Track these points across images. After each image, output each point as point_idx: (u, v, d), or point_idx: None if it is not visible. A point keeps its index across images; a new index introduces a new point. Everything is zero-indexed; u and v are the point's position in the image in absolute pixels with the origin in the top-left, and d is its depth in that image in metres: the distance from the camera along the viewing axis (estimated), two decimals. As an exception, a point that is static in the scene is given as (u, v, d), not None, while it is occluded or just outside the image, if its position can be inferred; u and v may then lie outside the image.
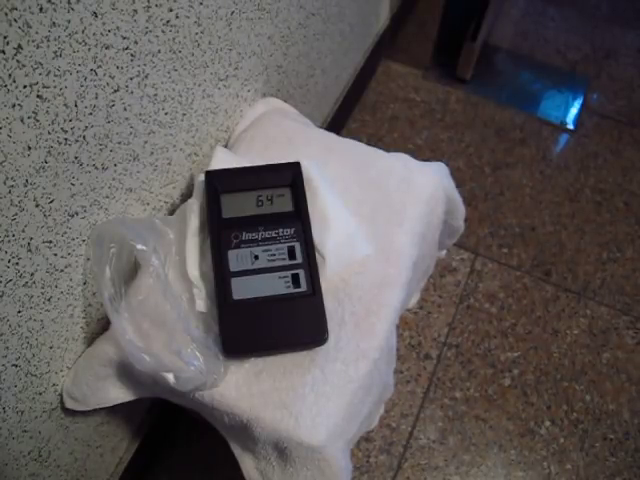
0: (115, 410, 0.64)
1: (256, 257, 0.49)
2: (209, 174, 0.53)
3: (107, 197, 0.49)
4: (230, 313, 0.48)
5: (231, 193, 0.52)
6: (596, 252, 1.15)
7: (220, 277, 0.48)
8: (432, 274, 0.86)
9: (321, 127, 0.82)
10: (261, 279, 0.49)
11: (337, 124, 1.17)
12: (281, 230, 0.51)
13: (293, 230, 0.50)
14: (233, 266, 0.49)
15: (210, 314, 0.50)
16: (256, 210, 0.52)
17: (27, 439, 0.53)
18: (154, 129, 0.51)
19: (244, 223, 0.51)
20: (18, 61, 0.34)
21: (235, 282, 0.48)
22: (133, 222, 0.50)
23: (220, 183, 0.52)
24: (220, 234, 0.50)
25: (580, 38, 1.51)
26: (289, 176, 0.53)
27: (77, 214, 0.46)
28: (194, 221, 0.53)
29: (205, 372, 0.47)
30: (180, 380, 0.47)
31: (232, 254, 0.49)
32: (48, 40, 0.36)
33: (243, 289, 0.48)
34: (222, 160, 0.57)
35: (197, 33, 0.52)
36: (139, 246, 0.46)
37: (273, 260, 0.49)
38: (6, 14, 0.32)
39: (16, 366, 0.47)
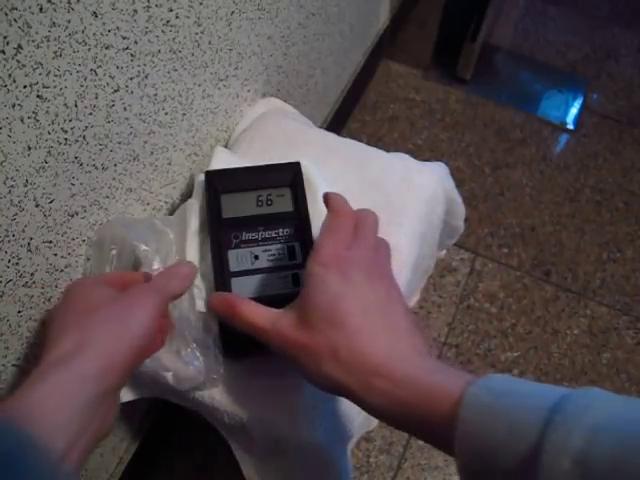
0: (115, 410, 0.64)
1: (256, 257, 0.49)
2: (209, 174, 0.53)
3: (107, 197, 0.49)
4: (230, 313, 0.48)
5: (231, 193, 0.52)
6: (596, 252, 1.15)
7: (220, 277, 0.48)
8: (432, 274, 0.86)
9: (321, 127, 0.82)
10: (261, 279, 0.49)
11: (337, 124, 1.17)
12: (281, 230, 0.51)
13: (293, 230, 0.50)
14: (233, 266, 0.49)
15: (210, 314, 0.50)
16: (256, 210, 0.52)
17: (27, 439, 0.53)
18: (154, 129, 0.51)
19: (244, 223, 0.51)
20: (18, 61, 0.34)
21: (235, 282, 0.48)
22: (134, 222, 0.50)
23: (220, 183, 0.52)
24: (220, 234, 0.50)
25: (580, 38, 1.51)
26: (289, 176, 0.53)
27: (77, 214, 0.46)
28: (194, 221, 0.53)
29: (205, 372, 0.47)
30: (180, 380, 0.47)
31: (232, 254, 0.49)
32: (48, 40, 0.36)
33: (243, 289, 0.48)
34: (222, 160, 0.57)
35: (197, 33, 0.52)
36: (143, 247, 0.47)
37: (273, 260, 0.49)
38: (6, 14, 0.32)
39: (16, 366, 0.47)
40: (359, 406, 0.35)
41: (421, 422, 0.32)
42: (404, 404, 0.33)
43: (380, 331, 0.36)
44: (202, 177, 0.54)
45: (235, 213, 0.51)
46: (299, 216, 0.51)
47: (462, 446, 0.29)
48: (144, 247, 0.47)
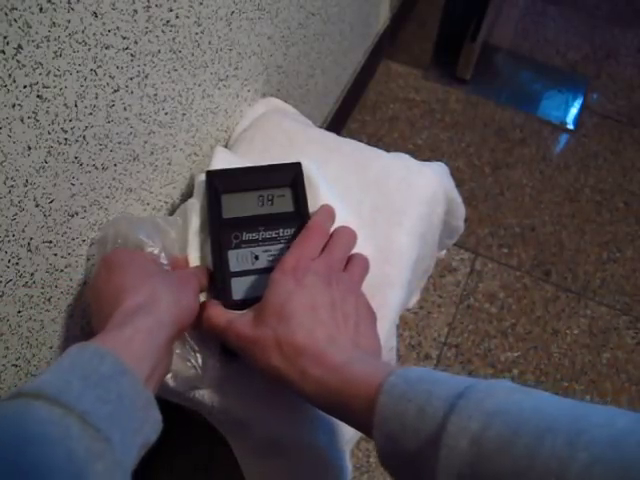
0: (115, 410, 0.64)
1: (256, 257, 0.49)
2: (209, 174, 0.53)
3: (107, 197, 0.49)
4: (230, 313, 0.48)
5: (231, 193, 0.52)
6: (596, 252, 1.15)
7: (220, 277, 0.48)
8: (432, 274, 0.86)
9: (321, 127, 0.82)
10: (261, 279, 0.49)
11: (337, 124, 1.17)
12: (281, 230, 0.51)
13: (293, 230, 0.50)
14: (233, 266, 0.49)
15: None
16: (257, 210, 0.52)
17: (27, 439, 0.53)
18: (154, 129, 0.51)
19: (244, 223, 0.51)
20: (18, 61, 0.34)
21: (235, 282, 0.48)
22: (138, 220, 0.50)
23: (220, 183, 0.52)
24: (220, 234, 0.50)
25: (580, 38, 1.51)
26: (290, 176, 0.53)
27: (77, 214, 0.46)
28: (195, 221, 0.53)
29: (204, 371, 0.47)
30: (179, 380, 0.47)
31: (232, 254, 0.49)
32: (48, 40, 0.36)
33: (243, 289, 0.48)
34: (222, 160, 0.57)
35: (197, 33, 0.52)
36: (150, 242, 0.47)
37: (273, 260, 0.49)
38: (6, 14, 0.32)
39: (16, 366, 0.47)
40: (298, 395, 0.38)
41: (347, 408, 0.35)
42: (333, 391, 0.35)
43: (324, 325, 0.39)
44: (202, 177, 0.54)
45: (235, 213, 0.51)
46: (300, 216, 0.51)
47: (379, 430, 0.32)
48: (151, 243, 0.47)
